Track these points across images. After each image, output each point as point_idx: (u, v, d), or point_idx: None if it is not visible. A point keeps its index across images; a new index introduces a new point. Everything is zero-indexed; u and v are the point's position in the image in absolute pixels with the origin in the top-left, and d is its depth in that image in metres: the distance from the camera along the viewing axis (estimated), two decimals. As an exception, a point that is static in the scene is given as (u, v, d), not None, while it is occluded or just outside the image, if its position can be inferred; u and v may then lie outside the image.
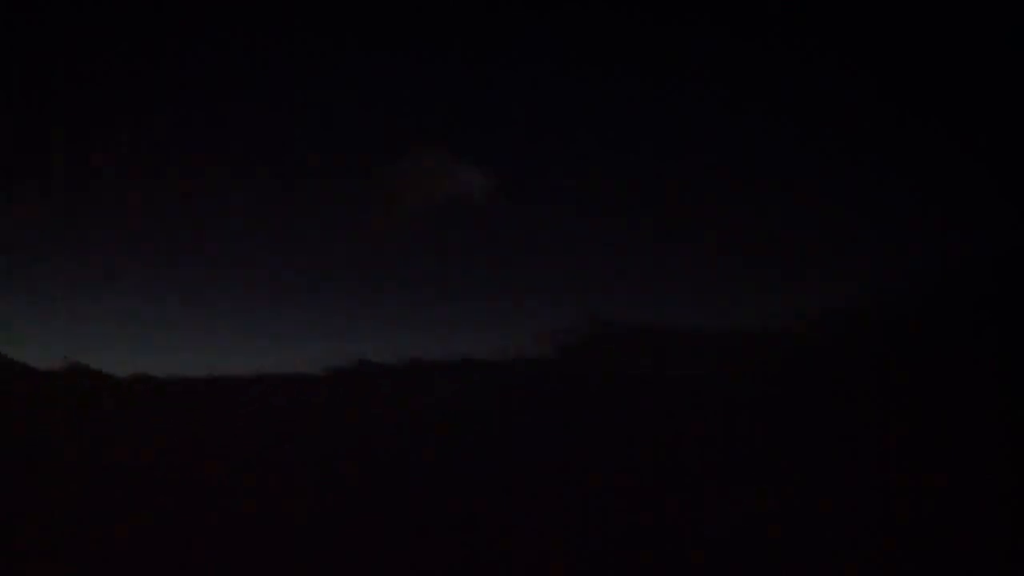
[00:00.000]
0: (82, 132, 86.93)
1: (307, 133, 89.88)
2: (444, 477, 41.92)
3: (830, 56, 78.57)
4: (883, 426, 35.87)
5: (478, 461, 42.92)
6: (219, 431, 47.23)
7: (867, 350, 40.98)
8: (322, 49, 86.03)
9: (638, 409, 45.46)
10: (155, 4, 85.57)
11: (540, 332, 55.25)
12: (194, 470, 40.40)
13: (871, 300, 46.07)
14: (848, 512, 32.37)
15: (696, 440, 38.39)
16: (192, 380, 51.45)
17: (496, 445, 46.05)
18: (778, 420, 38.41)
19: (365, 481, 40.68)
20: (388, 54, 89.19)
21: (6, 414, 44.35)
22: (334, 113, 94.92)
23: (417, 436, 47.41)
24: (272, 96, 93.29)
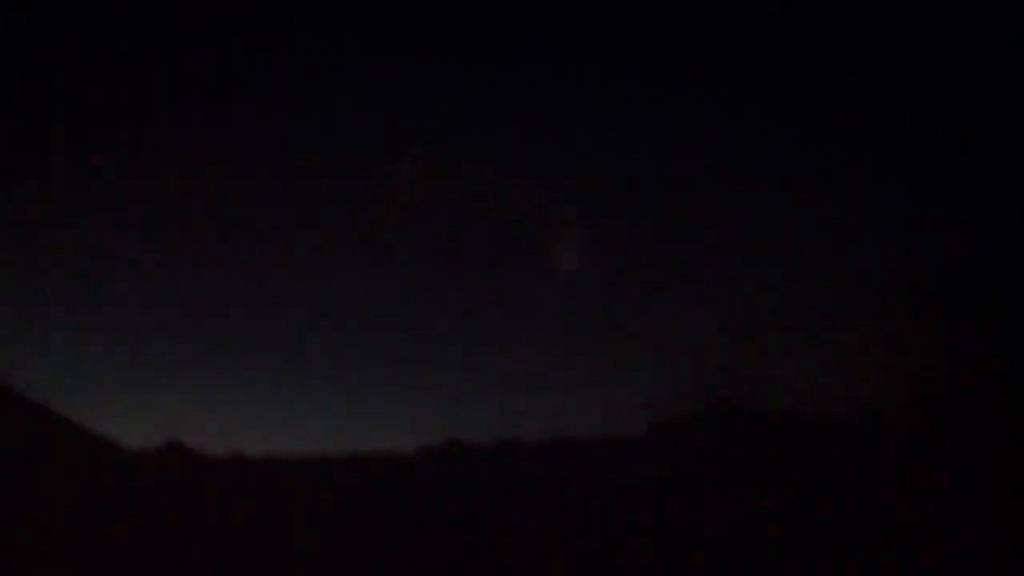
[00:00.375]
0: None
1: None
2: (540, 558, 40.38)
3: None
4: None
5: (576, 540, 41.27)
6: (310, 510, 46.67)
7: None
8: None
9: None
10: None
11: (642, 407, 53.52)
12: (286, 548, 39.78)
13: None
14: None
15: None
16: (284, 459, 51.12)
17: (594, 526, 44.31)
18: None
19: (458, 560, 39.41)
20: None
21: (100, 494, 44.42)
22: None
23: (510, 516, 46.00)
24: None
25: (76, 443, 47.39)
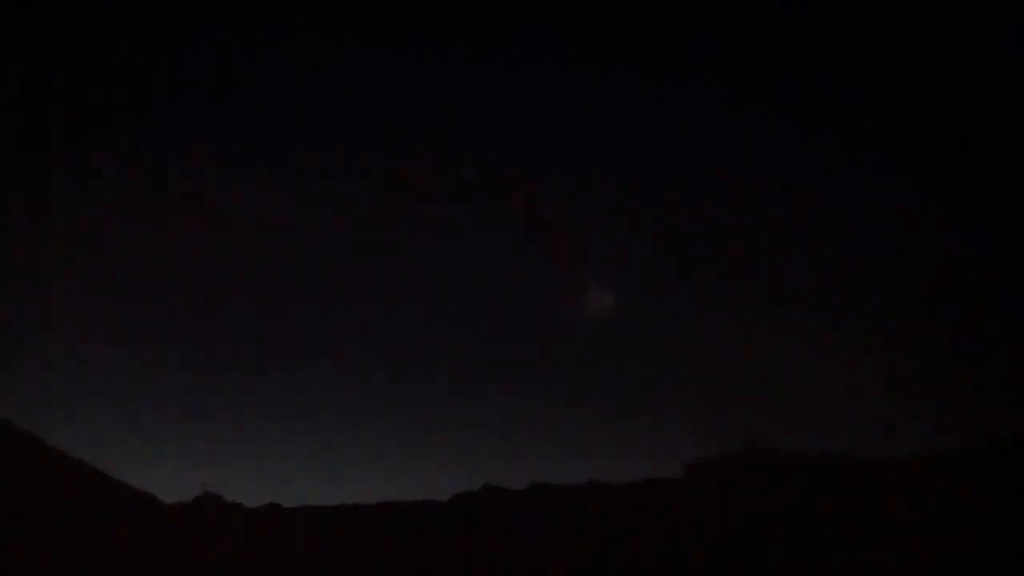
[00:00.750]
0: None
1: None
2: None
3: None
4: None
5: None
6: (349, 561, 46.67)
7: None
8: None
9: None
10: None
11: (679, 453, 53.46)
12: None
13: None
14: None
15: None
16: (322, 509, 51.38)
17: (628, 567, 43.90)
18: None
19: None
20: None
21: (141, 547, 44.80)
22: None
23: (545, 563, 45.69)
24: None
25: (115, 498, 48.03)
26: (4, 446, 50.69)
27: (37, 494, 46.28)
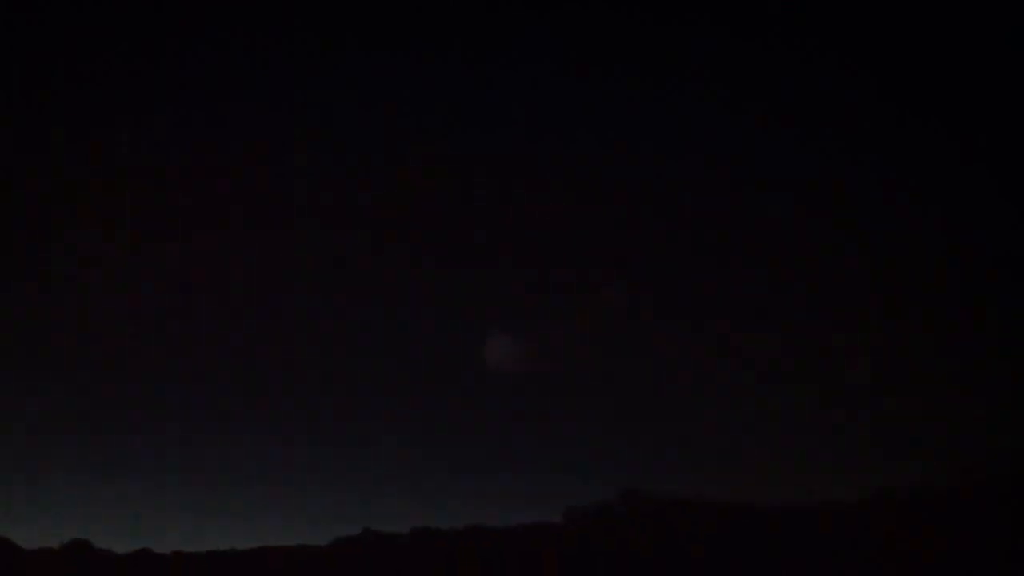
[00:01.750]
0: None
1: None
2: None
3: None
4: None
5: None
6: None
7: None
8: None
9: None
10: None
11: (560, 500, 53.99)
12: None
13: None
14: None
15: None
16: (193, 555, 49.63)
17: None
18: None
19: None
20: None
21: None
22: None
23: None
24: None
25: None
26: None
27: None
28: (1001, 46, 67.01)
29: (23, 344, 76.45)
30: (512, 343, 76.60)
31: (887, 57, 79.13)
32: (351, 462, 74.36)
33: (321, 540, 54.28)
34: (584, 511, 52.80)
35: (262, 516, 64.57)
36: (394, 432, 75.68)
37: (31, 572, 45.85)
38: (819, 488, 46.99)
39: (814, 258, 75.36)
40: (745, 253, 79.52)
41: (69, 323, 79.13)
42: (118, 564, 47.55)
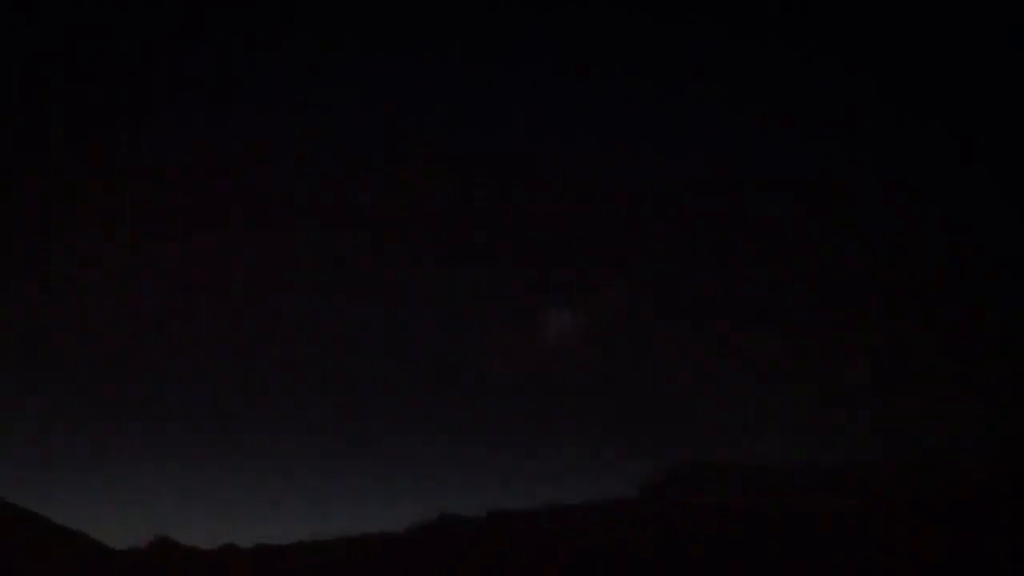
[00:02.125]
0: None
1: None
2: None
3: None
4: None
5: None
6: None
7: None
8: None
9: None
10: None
11: (626, 473, 54.29)
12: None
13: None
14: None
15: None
16: (279, 548, 50.31)
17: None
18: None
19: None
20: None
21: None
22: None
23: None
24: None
25: (65, 550, 45.97)
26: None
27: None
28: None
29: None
30: (571, 317, 76.23)
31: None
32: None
33: (399, 527, 54.72)
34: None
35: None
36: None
37: (123, 574, 46.76)
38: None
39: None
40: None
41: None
42: (206, 560, 48.36)
